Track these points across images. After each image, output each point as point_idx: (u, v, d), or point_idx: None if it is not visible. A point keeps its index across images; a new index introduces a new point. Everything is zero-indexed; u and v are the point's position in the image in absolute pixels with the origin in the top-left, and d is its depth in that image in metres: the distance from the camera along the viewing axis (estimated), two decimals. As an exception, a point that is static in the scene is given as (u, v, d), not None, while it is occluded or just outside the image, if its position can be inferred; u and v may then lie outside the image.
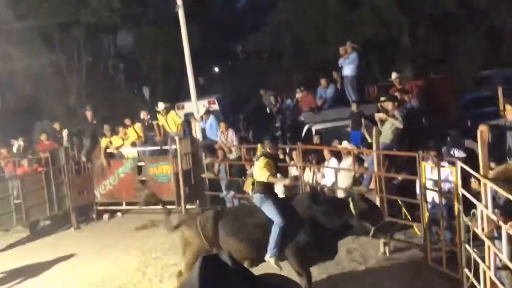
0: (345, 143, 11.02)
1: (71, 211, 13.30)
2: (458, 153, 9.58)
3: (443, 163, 8.42)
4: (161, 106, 13.87)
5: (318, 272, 8.36)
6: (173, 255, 10.30)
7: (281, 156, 11.87)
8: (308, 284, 7.37)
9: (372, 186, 9.96)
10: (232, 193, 12.40)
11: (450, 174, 8.17)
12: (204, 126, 13.02)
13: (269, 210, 7.50)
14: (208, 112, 13.38)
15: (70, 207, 13.29)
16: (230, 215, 7.84)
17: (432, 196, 8.70)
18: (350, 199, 7.54)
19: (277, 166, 8.01)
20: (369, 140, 10.56)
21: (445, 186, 8.47)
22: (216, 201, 12.64)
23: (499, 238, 6.42)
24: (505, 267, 6.27)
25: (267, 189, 7.71)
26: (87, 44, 23.62)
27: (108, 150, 13.83)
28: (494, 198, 6.53)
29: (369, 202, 7.69)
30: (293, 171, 11.48)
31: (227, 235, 7.62)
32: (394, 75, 12.96)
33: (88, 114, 15.00)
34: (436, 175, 8.37)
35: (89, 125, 14.93)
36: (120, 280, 9.46)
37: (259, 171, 7.67)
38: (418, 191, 8.91)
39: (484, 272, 6.76)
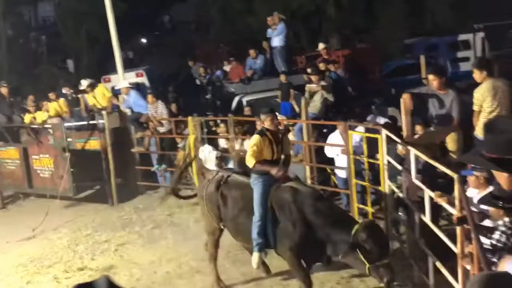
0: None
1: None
2: (383, 120, 9.87)
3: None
4: (84, 83, 13.18)
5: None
6: (104, 231, 10.21)
7: (213, 128, 11.88)
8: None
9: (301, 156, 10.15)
10: (163, 166, 12.32)
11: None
12: (129, 104, 12.54)
13: (255, 198, 6.51)
14: (128, 88, 12.89)
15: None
16: (232, 194, 6.93)
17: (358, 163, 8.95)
18: (361, 222, 6.42)
19: (273, 146, 6.68)
20: (298, 111, 10.71)
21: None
22: (148, 176, 12.53)
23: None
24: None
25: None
26: (6, 16, 22.51)
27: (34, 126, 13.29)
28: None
29: (378, 233, 6.24)
30: (223, 143, 11.50)
31: (225, 218, 6.95)
32: (321, 45, 13.12)
33: (4, 90, 14.28)
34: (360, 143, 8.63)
35: (4, 102, 14.24)
36: (50, 260, 9.26)
37: (248, 152, 6.69)
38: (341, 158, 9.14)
39: (408, 235, 7.09)
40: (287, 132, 7.11)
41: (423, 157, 6.29)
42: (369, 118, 9.93)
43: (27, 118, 13.58)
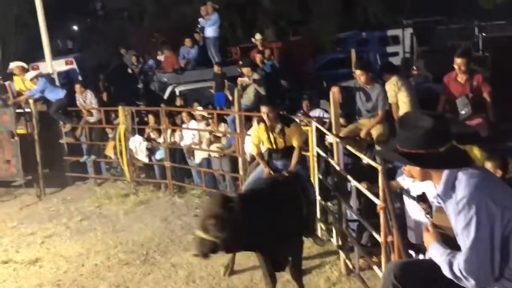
0: (199, 108, 11.09)
1: None
2: (318, 112, 10.05)
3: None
4: (12, 65, 12.70)
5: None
6: (30, 223, 9.90)
7: (145, 119, 11.73)
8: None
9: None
10: (93, 157, 12.07)
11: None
12: (34, 93, 12.05)
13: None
14: (36, 77, 12.42)
15: None
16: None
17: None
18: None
19: (269, 135, 6.57)
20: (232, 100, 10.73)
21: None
22: (77, 167, 12.24)
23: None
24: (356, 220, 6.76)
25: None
26: None
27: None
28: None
29: None
30: (152, 133, 11.38)
31: None
32: (257, 36, 13.16)
33: None
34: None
35: None
36: (-28, 253, 8.92)
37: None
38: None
39: (335, 224, 7.27)
40: (295, 123, 6.71)
41: (350, 148, 6.45)
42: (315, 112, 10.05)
43: None
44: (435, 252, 3.08)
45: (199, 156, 10.62)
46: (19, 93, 12.72)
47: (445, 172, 3.00)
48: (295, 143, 6.59)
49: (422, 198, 5.00)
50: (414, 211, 5.46)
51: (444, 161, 2.97)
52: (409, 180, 5.50)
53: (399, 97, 7.83)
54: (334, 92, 7.33)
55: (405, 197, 5.71)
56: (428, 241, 3.16)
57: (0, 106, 12.29)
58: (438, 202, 3.19)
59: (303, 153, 7.19)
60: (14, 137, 11.51)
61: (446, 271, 2.98)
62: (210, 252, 5.56)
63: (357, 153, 6.36)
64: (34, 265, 8.18)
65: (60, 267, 8.02)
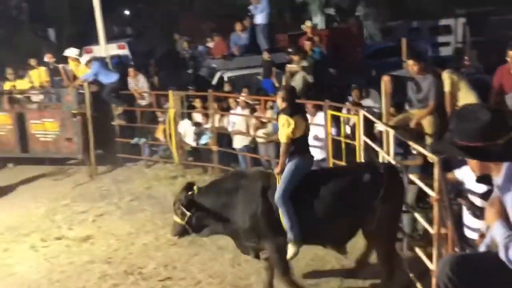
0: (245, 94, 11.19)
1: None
2: (365, 102, 9.99)
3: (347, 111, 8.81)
4: (72, 52, 12.89)
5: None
6: (82, 202, 10.24)
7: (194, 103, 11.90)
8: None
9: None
10: (143, 140, 12.35)
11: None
12: (88, 76, 12.38)
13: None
14: (90, 61, 12.74)
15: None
16: None
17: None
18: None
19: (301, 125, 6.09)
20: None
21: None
22: (128, 148, 12.53)
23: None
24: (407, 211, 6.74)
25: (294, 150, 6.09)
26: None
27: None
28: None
29: None
30: (199, 118, 11.55)
31: None
32: (307, 23, 13.10)
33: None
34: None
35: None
36: (27, 228, 9.29)
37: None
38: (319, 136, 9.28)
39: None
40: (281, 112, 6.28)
41: (403, 139, 6.42)
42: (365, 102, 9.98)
43: (7, 86, 13.46)
44: (497, 232, 3.03)
45: (242, 141, 10.72)
46: (73, 75, 13.13)
47: (505, 165, 2.99)
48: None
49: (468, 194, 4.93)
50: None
51: (503, 153, 2.94)
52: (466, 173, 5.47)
53: (460, 88, 7.58)
54: (386, 81, 7.31)
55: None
56: (491, 218, 3.09)
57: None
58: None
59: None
60: (75, 117, 11.95)
61: (502, 254, 2.97)
62: (181, 233, 6.30)
63: (410, 143, 6.34)
64: (85, 242, 8.50)
65: (111, 245, 8.31)
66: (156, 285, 6.94)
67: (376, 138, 8.02)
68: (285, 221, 5.83)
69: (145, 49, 19.08)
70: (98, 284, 7.16)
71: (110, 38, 15.44)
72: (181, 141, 11.52)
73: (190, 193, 6.15)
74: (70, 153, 12.42)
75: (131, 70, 12.61)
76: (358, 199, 5.88)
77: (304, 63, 10.69)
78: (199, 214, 6.13)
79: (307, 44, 11.56)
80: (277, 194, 5.84)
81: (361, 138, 7.88)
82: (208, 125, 11.22)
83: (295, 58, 10.72)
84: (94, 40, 16.31)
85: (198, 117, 11.61)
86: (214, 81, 13.85)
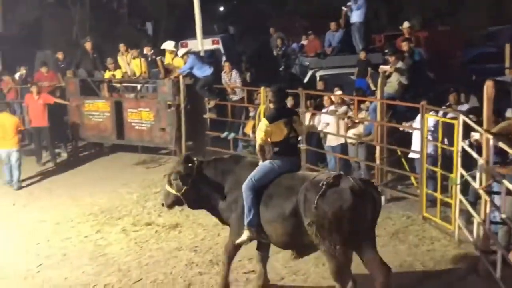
0: (338, 92, 11.03)
1: (72, 142, 13.52)
2: (466, 107, 9.58)
3: (448, 115, 8.47)
4: (170, 45, 13.47)
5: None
6: (173, 191, 10.47)
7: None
8: None
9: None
10: (232, 135, 12.46)
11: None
12: (185, 69, 12.64)
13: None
14: (186, 54, 12.99)
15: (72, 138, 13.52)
16: None
17: (431, 148, 8.79)
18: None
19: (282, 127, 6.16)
20: (373, 89, 10.55)
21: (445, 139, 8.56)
22: (217, 141, 12.71)
23: (498, 193, 6.55)
24: (503, 222, 6.41)
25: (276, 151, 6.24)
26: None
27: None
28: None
29: None
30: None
31: None
32: (405, 24, 12.77)
33: (88, 45, 14.80)
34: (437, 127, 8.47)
35: (87, 57, 14.76)
36: (119, 212, 9.66)
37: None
38: (416, 142, 9.00)
39: (478, 225, 6.93)
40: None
41: (506, 147, 6.09)
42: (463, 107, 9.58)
43: (107, 75, 14.03)
44: None
45: (337, 140, 10.57)
46: (168, 67, 13.53)
47: None
48: None
49: None
50: None
51: None
52: None
53: None
54: (488, 86, 6.95)
55: None
56: None
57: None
58: None
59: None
60: (170, 108, 12.28)
61: None
62: (174, 204, 6.68)
63: (510, 150, 6.01)
64: (174, 230, 8.73)
65: (198, 234, 8.47)
66: (240, 278, 6.98)
67: (472, 145, 7.68)
68: (245, 207, 6.14)
69: (238, 45, 19.31)
70: (184, 271, 7.31)
71: (205, 34, 15.71)
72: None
73: (190, 165, 6.48)
74: (163, 143, 12.78)
75: (226, 65, 12.80)
76: (299, 209, 5.79)
77: (399, 64, 10.39)
78: (195, 188, 6.46)
79: (404, 45, 11.23)
80: (246, 181, 6.14)
81: (459, 144, 7.57)
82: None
83: (392, 59, 10.45)
84: (189, 35, 16.69)
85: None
86: (306, 79, 13.79)
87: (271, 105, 6.43)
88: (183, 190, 6.45)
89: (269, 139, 6.16)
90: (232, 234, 6.45)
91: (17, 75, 15.11)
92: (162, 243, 8.26)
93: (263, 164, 6.21)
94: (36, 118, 13.04)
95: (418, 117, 8.84)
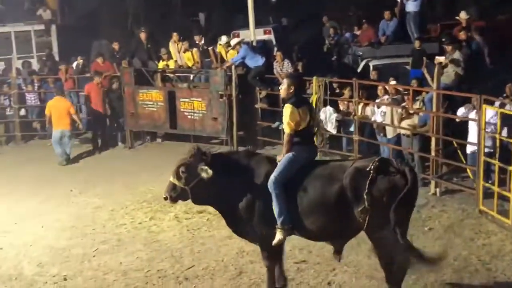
0: (392, 82, 10.86)
1: (127, 131, 13.80)
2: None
3: (506, 107, 8.22)
4: (224, 39, 13.63)
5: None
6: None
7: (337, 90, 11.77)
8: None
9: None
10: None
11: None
12: (237, 59, 12.67)
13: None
14: (239, 43, 13.03)
15: (127, 127, 13.82)
16: None
17: (488, 140, 8.55)
18: None
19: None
20: (429, 80, 10.32)
21: (504, 131, 8.31)
22: (268, 132, 12.71)
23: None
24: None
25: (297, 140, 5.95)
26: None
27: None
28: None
29: None
30: (343, 106, 11.41)
31: None
32: (463, 14, 12.43)
33: (142, 35, 15.06)
34: (495, 119, 8.22)
35: (142, 47, 15.02)
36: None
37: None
38: (472, 134, 8.77)
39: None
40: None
41: None
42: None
43: (161, 65, 14.25)
44: None
45: (394, 131, 10.40)
46: (221, 57, 13.63)
47: None
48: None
49: None
50: None
51: None
52: None
53: None
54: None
55: None
56: None
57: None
58: None
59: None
60: (222, 97, 12.36)
61: None
62: (178, 198, 6.13)
63: None
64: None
65: (249, 223, 8.49)
66: (291, 267, 6.99)
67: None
68: (274, 207, 5.79)
69: (291, 35, 19.22)
70: (236, 259, 7.39)
71: (257, 24, 15.71)
72: (321, 127, 11.45)
73: (204, 158, 5.98)
74: (215, 132, 12.89)
75: (278, 55, 12.80)
76: (349, 195, 5.58)
77: (455, 55, 10.13)
78: (206, 183, 5.93)
79: (462, 34, 10.95)
80: (270, 179, 5.81)
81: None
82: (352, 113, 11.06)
83: (449, 48, 10.19)
84: (239, 25, 16.72)
85: (345, 105, 11.47)
86: (359, 69, 13.62)
87: (290, 92, 5.94)
88: (191, 184, 5.99)
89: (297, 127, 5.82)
90: (259, 239, 6.09)
91: (74, 65, 15.53)
92: (214, 231, 8.35)
93: (287, 156, 5.88)
94: (96, 107, 13.49)
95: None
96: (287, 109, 5.87)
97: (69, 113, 12.89)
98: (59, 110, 12.83)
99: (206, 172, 5.88)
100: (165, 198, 6.25)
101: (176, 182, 6.08)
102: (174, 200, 6.25)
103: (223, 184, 6.01)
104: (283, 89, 6.02)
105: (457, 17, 12.70)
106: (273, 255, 6.15)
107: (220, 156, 6.28)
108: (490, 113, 8.39)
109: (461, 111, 9.33)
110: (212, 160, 6.01)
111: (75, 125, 13.23)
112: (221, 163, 6.10)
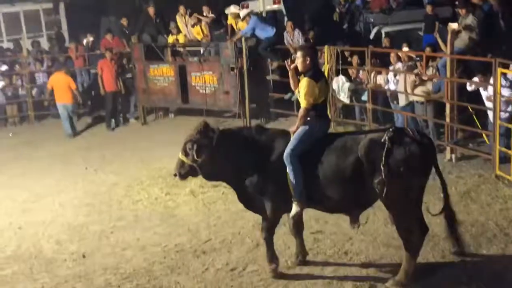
0: (405, 49, 10.70)
1: (139, 107, 13.82)
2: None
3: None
4: (232, 9, 13.47)
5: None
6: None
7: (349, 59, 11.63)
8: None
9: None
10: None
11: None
12: (247, 31, 12.53)
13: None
14: (248, 15, 12.85)
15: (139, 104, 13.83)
16: None
17: (505, 104, 8.43)
18: None
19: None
20: (442, 45, 10.16)
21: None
22: (281, 103, 12.64)
23: None
24: None
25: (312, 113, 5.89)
26: None
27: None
28: None
29: None
30: (359, 74, 11.29)
31: None
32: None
33: (151, 10, 14.95)
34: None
35: (151, 22, 14.93)
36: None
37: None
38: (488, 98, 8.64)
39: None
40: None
41: None
42: None
43: (170, 39, 14.16)
44: None
45: (403, 99, 10.31)
46: (231, 28, 13.49)
47: None
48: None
49: None
50: None
51: None
52: None
53: None
54: None
55: None
56: None
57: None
58: None
59: None
60: (233, 70, 12.30)
61: None
62: (188, 175, 6.05)
63: None
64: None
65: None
66: (308, 237, 6.96)
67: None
68: (290, 180, 5.76)
69: (300, 4, 18.93)
70: (252, 231, 7.38)
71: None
72: (334, 97, 11.37)
73: (211, 135, 5.92)
74: (227, 106, 12.86)
75: (288, 24, 12.66)
76: (365, 167, 5.53)
77: (468, 20, 9.93)
78: (214, 159, 5.90)
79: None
80: (286, 152, 5.77)
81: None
82: (364, 82, 10.95)
83: (462, 11, 10.00)
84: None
85: (354, 73, 11.35)
86: (371, 36, 13.45)
87: (307, 65, 5.83)
88: (199, 160, 5.93)
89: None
90: (270, 212, 6.01)
91: (84, 42, 15.49)
92: (229, 204, 8.36)
93: (302, 129, 5.82)
94: (109, 83, 13.50)
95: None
96: (306, 82, 5.78)
97: (70, 87, 13.24)
98: (61, 84, 13.25)
99: (192, 155, 5.89)
100: (175, 175, 6.22)
101: (184, 159, 6.03)
102: (183, 177, 6.21)
103: (233, 160, 5.96)
104: (300, 62, 5.90)
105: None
106: (273, 228, 6.16)
107: (229, 132, 6.21)
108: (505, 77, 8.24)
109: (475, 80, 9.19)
110: (221, 136, 5.96)
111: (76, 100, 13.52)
112: (230, 138, 6.03)
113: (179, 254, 7.08)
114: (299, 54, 5.95)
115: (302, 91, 5.82)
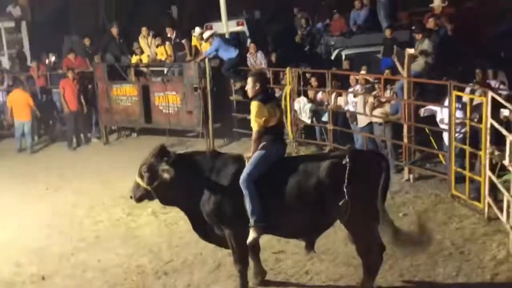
0: (363, 72, 11.00)
1: (102, 126, 13.74)
2: (493, 83, 9.44)
3: (476, 93, 8.36)
4: (198, 31, 13.55)
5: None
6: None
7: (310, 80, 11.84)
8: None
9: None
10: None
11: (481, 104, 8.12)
12: (210, 52, 12.68)
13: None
14: (212, 36, 13.01)
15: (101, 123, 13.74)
16: None
17: (460, 126, 8.70)
18: None
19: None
20: (399, 68, 10.45)
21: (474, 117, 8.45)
22: (244, 123, 12.72)
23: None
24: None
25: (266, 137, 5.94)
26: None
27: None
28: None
29: None
30: (319, 95, 11.51)
31: None
32: (436, 1, 12.57)
33: (114, 30, 14.96)
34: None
35: (114, 42, 14.93)
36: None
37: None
38: (445, 120, 8.91)
39: (508, 202, 6.88)
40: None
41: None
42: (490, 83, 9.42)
43: (134, 59, 14.17)
44: None
45: (366, 120, 10.52)
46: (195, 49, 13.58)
47: None
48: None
49: None
50: None
51: None
52: None
53: None
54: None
55: None
56: None
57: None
58: None
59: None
60: (196, 90, 12.37)
61: None
62: (143, 198, 6.07)
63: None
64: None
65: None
66: (269, 257, 7.06)
67: (502, 122, 7.58)
68: (247, 205, 5.72)
69: (264, 27, 19.19)
70: (214, 252, 7.38)
71: (230, 16, 15.69)
72: (296, 118, 11.55)
73: (166, 159, 5.92)
74: (190, 126, 12.92)
75: (251, 46, 12.83)
76: (327, 189, 5.61)
77: (424, 46, 10.26)
78: (168, 184, 5.87)
79: (431, 22, 11.08)
80: (242, 177, 5.73)
81: (488, 121, 7.49)
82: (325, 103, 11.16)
83: (419, 36, 10.33)
84: (213, 17, 16.65)
85: (313, 95, 11.57)
86: (332, 57, 13.72)
87: (256, 90, 5.92)
88: (154, 184, 5.94)
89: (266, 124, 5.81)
90: (232, 240, 5.96)
91: (46, 61, 15.36)
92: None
93: (258, 153, 5.83)
94: (71, 102, 13.45)
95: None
96: (254, 106, 5.85)
97: (29, 104, 13.52)
98: (19, 101, 13.53)
99: (167, 172, 5.81)
100: (131, 197, 6.22)
101: (140, 182, 6.02)
102: (139, 200, 6.20)
103: (188, 185, 5.94)
104: (249, 87, 5.99)
105: (430, 5, 12.80)
106: (245, 258, 6.11)
107: (185, 156, 6.23)
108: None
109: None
110: (176, 160, 5.93)
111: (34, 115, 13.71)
112: (186, 163, 6.00)
113: (141, 275, 7.07)
114: (249, 80, 6.03)
115: (252, 115, 5.88)
